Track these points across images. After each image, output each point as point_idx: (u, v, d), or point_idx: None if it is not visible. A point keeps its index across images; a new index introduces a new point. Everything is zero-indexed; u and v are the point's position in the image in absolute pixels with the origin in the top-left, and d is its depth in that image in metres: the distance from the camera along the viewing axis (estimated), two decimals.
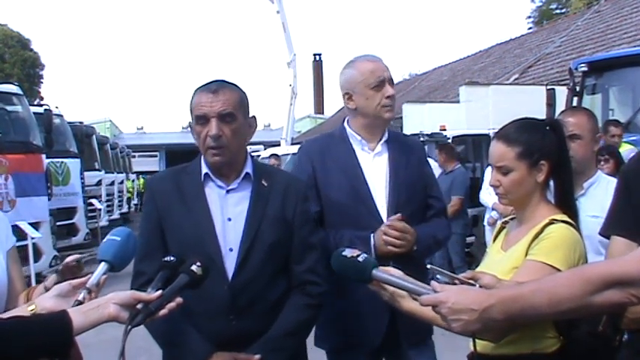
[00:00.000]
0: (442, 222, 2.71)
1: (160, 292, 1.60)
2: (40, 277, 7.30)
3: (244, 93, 2.21)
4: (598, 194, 2.70)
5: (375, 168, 2.60)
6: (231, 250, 2.13)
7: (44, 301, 1.65)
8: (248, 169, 2.21)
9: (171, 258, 1.75)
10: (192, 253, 1.84)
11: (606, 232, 1.90)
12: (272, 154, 11.98)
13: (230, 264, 2.11)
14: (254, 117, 2.24)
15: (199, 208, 2.16)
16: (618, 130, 5.79)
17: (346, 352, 2.60)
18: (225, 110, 2.09)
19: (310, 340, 2.41)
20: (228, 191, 2.19)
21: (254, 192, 2.19)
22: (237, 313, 2.09)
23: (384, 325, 2.48)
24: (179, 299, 1.63)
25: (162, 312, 1.59)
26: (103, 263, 1.75)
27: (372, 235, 2.48)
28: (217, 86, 2.13)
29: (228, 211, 2.17)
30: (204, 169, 2.20)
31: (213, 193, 2.19)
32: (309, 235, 2.26)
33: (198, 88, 2.17)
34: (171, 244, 2.15)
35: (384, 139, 2.64)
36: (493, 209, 6.60)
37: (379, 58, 2.65)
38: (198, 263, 1.72)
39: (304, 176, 2.61)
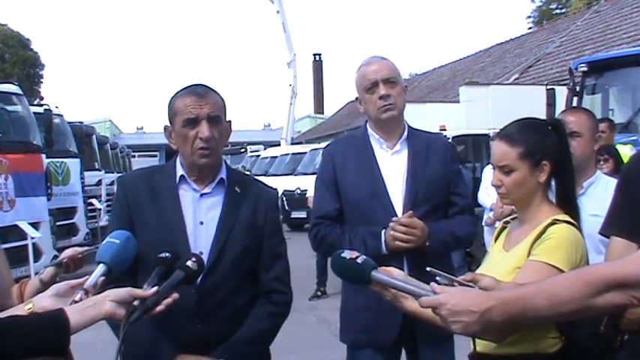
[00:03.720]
0: (465, 219, 2.68)
1: (155, 288, 1.61)
2: None
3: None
4: (598, 193, 2.71)
5: (393, 165, 2.63)
6: (201, 253, 2.12)
7: (42, 300, 1.65)
8: (223, 174, 2.23)
9: (167, 254, 1.75)
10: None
11: (606, 231, 1.90)
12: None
13: None
14: (230, 122, 2.26)
15: (172, 209, 2.17)
16: (603, 125, 5.68)
17: (364, 349, 2.62)
18: (214, 113, 2.12)
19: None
20: (202, 195, 2.20)
21: (227, 197, 2.20)
22: (202, 317, 2.10)
23: (399, 322, 2.49)
24: (175, 295, 1.64)
25: (159, 308, 1.59)
26: (101, 265, 1.75)
27: (383, 231, 2.51)
28: (204, 90, 2.15)
29: (201, 215, 2.18)
30: (180, 171, 2.21)
31: (187, 195, 2.20)
32: (277, 244, 2.28)
33: (181, 92, 2.18)
34: (141, 243, 2.06)
35: (403, 137, 2.67)
36: (491, 210, 6.59)
37: (380, 58, 2.69)
38: (194, 259, 1.73)
39: (326, 176, 2.70)
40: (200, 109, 2.10)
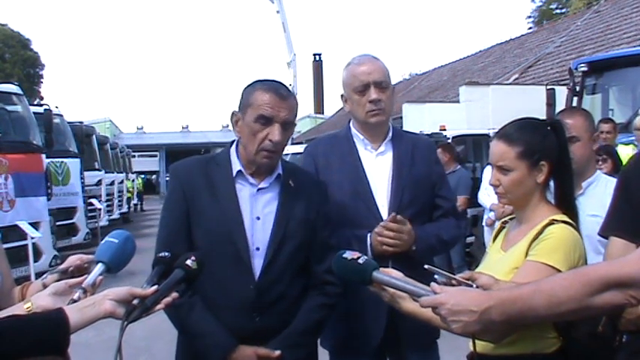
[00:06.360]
0: (450, 222, 2.65)
1: (155, 287, 1.61)
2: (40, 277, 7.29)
3: None
4: (597, 193, 2.71)
5: (378, 167, 2.58)
6: (258, 249, 2.17)
7: (40, 299, 1.65)
8: (279, 169, 2.26)
9: (166, 254, 1.76)
10: (219, 248, 1.99)
11: (605, 232, 1.90)
12: None
13: (257, 263, 2.16)
14: (294, 124, 2.27)
15: (230, 204, 2.18)
16: (608, 126, 5.71)
17: (347, 354, 2.59)
18: (290, 118, 2.15)
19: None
20: (258, 190, 2.22)
21: (283, 192, 2.23)
22: (260, 311, 2.14)
23: (382, 327, 2.46)
24: (175, 294, 1.64)
25: (159, 307, 1.60)
26: (99, 264, 1.76)
27: (368, 234, 2.46)
28: (286, 92, 2.17)
29: (258, 210, 2.21)
30: (237, 166, 2.23)
31: (244, 190, 2.22)
32: (329, 236, 2.33)
33: (262, 84, 2.17)
34: (198, 235, 2.17)
35: (388, 138, 2.62)
36: (491, 210, 6.59)
37: (372, 59, 2.59)
38: (193, 258, 1.73)
39: None
40: (278, 112, 2.12)
